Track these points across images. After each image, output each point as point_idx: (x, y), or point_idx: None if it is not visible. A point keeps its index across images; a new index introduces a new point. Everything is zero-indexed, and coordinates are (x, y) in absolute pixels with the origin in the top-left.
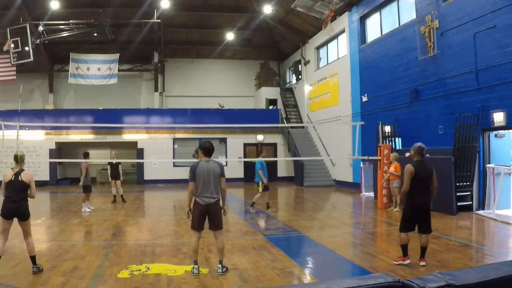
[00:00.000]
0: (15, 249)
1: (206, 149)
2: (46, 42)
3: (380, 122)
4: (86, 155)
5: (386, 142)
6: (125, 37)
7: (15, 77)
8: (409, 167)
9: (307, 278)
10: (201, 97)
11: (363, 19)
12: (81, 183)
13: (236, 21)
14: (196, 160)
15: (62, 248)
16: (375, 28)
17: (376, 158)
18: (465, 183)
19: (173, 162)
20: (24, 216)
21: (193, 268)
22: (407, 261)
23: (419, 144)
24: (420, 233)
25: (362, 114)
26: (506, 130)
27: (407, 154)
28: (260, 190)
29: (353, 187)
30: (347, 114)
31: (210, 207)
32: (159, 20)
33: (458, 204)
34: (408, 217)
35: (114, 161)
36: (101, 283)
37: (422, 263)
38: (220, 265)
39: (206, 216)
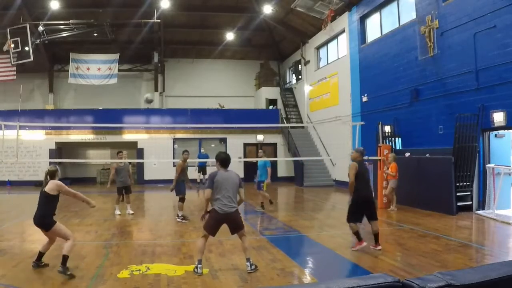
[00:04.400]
0: (15, 249)
1: (222, 160)
2: (46, 42)
3: (380, 122)
4: (118, 154)
5: (386, 142)
6: (125, 37)
7: (15, 77)
8: (353, 164)
9: (307, 278)
10: (201, 97)
11: (363, 19)
12: (115, 184)
13: (236, 21)
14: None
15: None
16: (375, 28)
17: (376, 158)
18: (465, 183)
19: (173, 162)
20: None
21: (197, 267)
22: (364, 244)
23: (361, 148)
24: (370, 221)
25: (362, 114)
26: (506, 130)
27: (407, 154)
28: (265, 188)
29: None
30: (347, 114)
31: (229, 217)
32: (159, 20)
33: (458, 204)
34: (355, 208)
35: (127, 161)
36: (101, 283)
37: (378, 247)
38: (248, 263)
39: (222, 224)
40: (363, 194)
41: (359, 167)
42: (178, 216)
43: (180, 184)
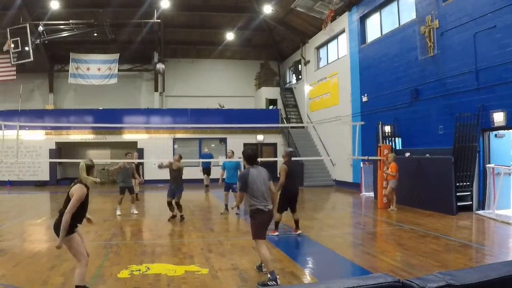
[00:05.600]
0: (15, 249)
1: (249, 157)
2: (46, 42)
3: (380, 122)
4: (126, 155)
5: (386, 142)
6: (125, 37)
7: (15, 77)
8: (284, 166)
9: (307, 278)
10: (201, 97)
11: (363, 19)
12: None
13: (236, 21)
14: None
15: (62, 248)
16: (375, 28)
17: (376, 158)
18: (465, 183)
19: None
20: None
21: (272, 279)
22: (277, 233)
23: (290, 149)
24: (292, 213)
25: (362, 114)
26: (506, 130)
27: (407, 154)
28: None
29: (353, 187)
30: (347, 114)
31: (270, 214)
32: (159, 20)
33: (458, 204)
34: (283, 202)
35: (136, 161)
36: (101, 283)
37: (299, 231)
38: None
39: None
40: (290, 190)
41: (289, 169)
42: (181, 217)
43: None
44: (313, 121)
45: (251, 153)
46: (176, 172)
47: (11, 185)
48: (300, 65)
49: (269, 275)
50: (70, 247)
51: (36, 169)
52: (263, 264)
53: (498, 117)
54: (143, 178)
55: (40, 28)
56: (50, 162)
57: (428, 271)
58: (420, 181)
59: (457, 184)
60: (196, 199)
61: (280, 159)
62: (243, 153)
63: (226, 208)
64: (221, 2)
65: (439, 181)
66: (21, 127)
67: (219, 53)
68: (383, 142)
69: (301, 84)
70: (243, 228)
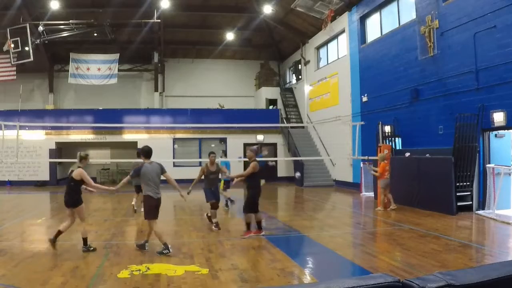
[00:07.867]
0: (15, 249)
1: (147, 152)
2: (46, 42)
3: (380, 122)
4: (139, 155)
5: (386, 142)
6: (125, 37)
7: (15, 77)
8: (255, 163)
9: (307, 278)
10: (201, 97)
11: (363, 19)
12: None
13: (236, 21)
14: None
15: (62, 248)
16: (375, 28)
17: (376, 158)
18: (465, 183)
19: (173, 162)
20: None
21: (167, 249)
22: (263, 233)
23: (255, 147)
24: (255, 213)
25: (362, 114)
26: (506, 130)
27: (407, 154)
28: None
29: (353, 187)
30: (347, 114)
31: (160, 201)
32: (159, 20)
33: (458, 204)
34: (254, 201)
35: (132, 161)
36: (101, 283)
37: (262, 233)
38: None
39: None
40: (259, 190)
41: (258, 167)
42: (214, 224)
43: (206, 191)
44: (313, 121)
45: (148, 149)
46: (211, 174)
47: (11, 185)
48: (300, 65)
49: (163, 246)
50: (81, 211)
51: (36, 169)
52: (147, 242)
53: (498, 117)
54: None
55: (40, 28)
56: (50, 162)
57: (428, 271)
58: (420, 181)
59: (457, 184)
60: (196, 199)
61: (280, 159)
62: (142, 149)
63: (227, 204)
64: (221, 2)
65: (439, 181)
66: (21, 127)
67: (219, 53)
68: (383, 142)
69: (301, 84)
70: (243, 228)
